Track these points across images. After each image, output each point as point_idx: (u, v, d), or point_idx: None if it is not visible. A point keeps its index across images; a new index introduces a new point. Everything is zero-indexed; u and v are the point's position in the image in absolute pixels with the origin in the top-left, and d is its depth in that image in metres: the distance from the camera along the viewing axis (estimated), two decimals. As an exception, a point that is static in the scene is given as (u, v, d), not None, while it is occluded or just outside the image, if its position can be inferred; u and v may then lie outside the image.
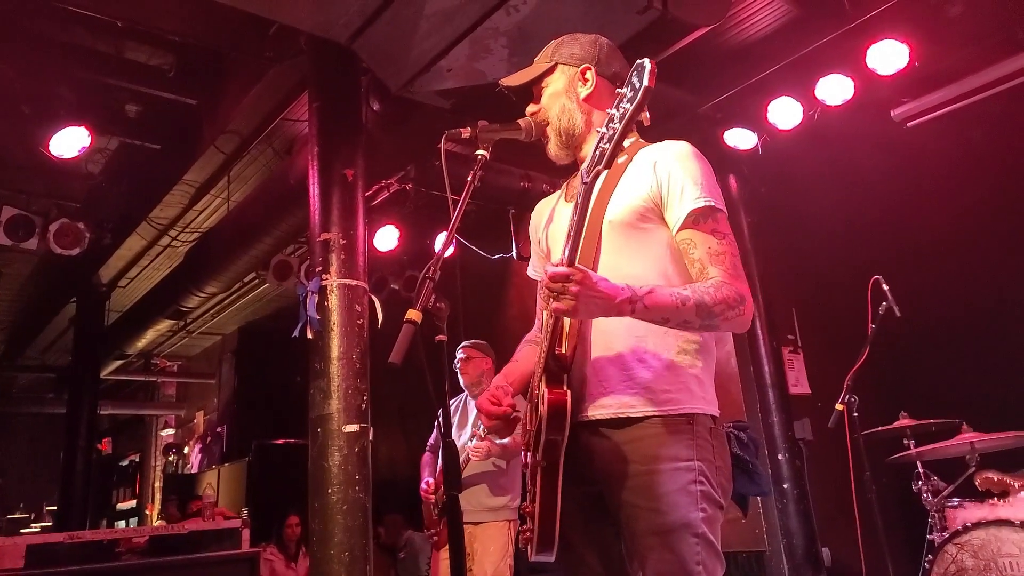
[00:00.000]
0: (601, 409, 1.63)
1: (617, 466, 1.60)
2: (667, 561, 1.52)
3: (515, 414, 1.71)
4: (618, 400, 1.62)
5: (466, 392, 4.11)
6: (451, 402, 4.22)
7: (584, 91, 1.79)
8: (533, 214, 2.03)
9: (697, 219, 1.63)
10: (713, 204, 1.63)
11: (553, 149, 1.82)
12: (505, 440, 3.57)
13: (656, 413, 1.60)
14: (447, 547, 3.83)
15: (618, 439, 1.61)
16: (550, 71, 1.82)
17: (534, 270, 2.01)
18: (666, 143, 1.73)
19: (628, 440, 1.60)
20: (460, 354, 4.05)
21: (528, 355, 1.88)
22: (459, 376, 4.05)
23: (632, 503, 1.57)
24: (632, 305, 1.48)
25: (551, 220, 1.91)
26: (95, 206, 5.98)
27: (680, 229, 1.64)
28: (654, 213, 1.67)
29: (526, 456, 1.74)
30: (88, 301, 7.83)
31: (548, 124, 1.80)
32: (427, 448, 4.23)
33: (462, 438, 3.88)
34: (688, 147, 1.71)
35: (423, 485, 3.96)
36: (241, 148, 5.39)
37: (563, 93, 1.80)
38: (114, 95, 4.97)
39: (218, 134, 5.11)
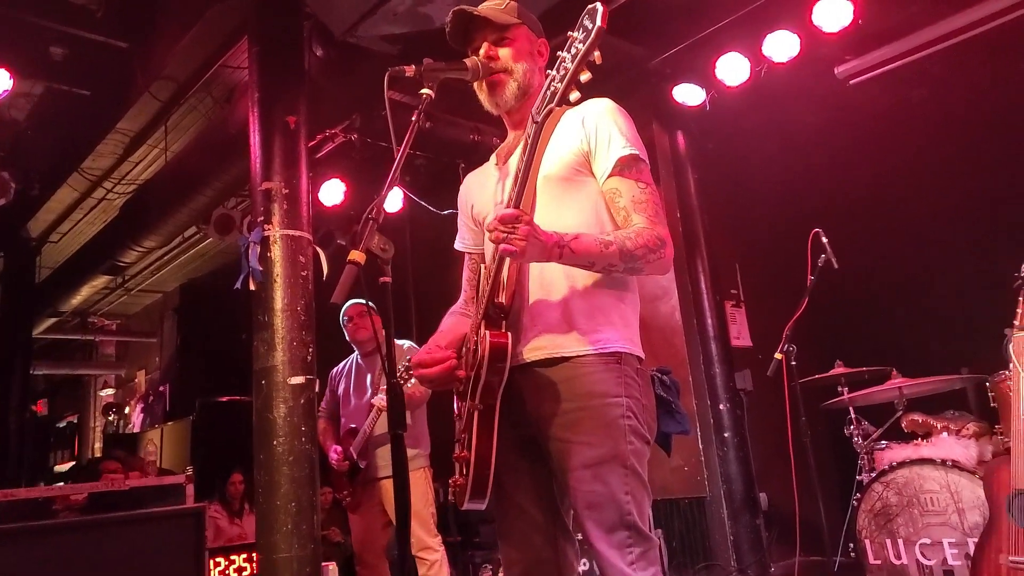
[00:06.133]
0: (536, 351, 1.68)
1: (549, 405, 1.65)
2: (597, 492, 1.57)
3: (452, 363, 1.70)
4: (552, 341, 1.67)
5: (356, 353, 3.98)
6: (338, 367, 4.07)
7: (541, 62, 1.87)
8: (462, 187, 2.05)
9: (623, 168, 1.70)
10: (637, 153, 1.72)
11: (506, 96, 1.82)
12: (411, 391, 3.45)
13: (588, 352, 1.65)
14: (361, 508, 3.80)
15: (551, 378, 1.66)
16: (519, 28, 1.84)
17: (462, 242, 2.03)
18: (590, 100, 1.78)
19: (561, 379, 1.65)
20: (347, 314, 3.89)
21: (453, 325, 1.90)
22: (348, 335, 3.91)
23: (564, 439, 1.62)
24: (560, 249, 1.54)
25: (483, 187, 1.93)
26: (21, 155, 5.68)
27: (607, 178, 1.71)
28: (585, 166, 1.74)
29: (459, 403, 1.75)
30: (17, 256, 7.52)
31: (509, 73, 1.80)
32: (320, 414, 3.87)
33: (365, 398, 3.80)
34: (611, 103, 1.79)
35: (332, 456, 3.78)
36: (178, 95, 5.18)
37: (529, 55, 1.84)
38: (37, 36, 4.67)
39: (152, 80, 4.88)
